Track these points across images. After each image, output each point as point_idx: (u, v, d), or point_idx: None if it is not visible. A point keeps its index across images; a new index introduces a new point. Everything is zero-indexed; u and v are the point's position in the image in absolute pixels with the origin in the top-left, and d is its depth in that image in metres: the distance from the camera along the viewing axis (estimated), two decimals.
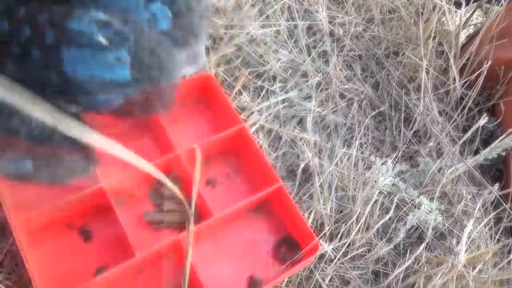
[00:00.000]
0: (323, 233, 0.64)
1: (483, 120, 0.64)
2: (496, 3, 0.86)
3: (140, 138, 0.64)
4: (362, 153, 0.77)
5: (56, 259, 0.53)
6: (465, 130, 0.82)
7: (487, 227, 0.66)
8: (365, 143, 0.80)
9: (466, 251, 0.61)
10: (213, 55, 0.69)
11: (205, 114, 0.67)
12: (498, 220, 0.72)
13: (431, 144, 0.77)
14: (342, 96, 0.84)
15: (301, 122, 0.78)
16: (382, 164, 0.64)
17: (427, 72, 0.81)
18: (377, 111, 0.85)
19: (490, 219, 0.66)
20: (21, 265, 0.50)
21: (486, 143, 0.81)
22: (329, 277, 0.61)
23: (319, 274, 0.61)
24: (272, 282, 0.53)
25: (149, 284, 0.55)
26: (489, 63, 0.71)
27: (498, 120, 0.79)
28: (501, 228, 0.71)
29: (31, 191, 0.56)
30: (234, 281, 0.56)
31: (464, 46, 0.85)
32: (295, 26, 0.85)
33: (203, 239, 0.58)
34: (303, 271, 0.61)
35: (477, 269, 0.60)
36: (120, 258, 0.51)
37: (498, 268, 0.63)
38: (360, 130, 0.80)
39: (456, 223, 0.68)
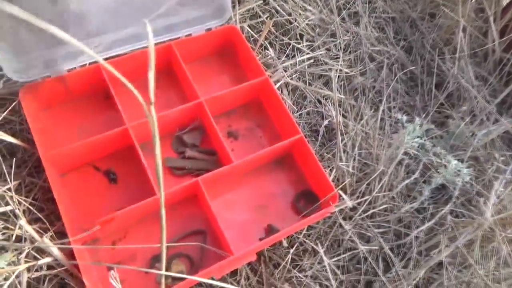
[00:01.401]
0: (343, 188, 0.63)
1: None
2: None
3: (167, 89, 0.65)
4: (390, 117, 0.75)
5: (83, 198, 0.56)
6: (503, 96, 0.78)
7: None
8: (394, 107, 0.78)
9: (494, 215, 0.59)
10: (239, 8, 0.68)
11: (230, 66, 0.67)
12: None
13: (464, 108, 0.74)
14: (372, 58, 0.81)
15: (327, 83, 0.76)
16: (409, 121, 0.62)
17: (464, 32, 0.77)
18: (409, 75, 0.82)
19: None
20: (52, 201, 0.53)
21: None
22: (349, 233, 0.61)
23: (338, 229, 0.61)
24: (289, 229, 0.53)
25: (169, 228, 0.56)
26: None
27: None
28: None
29: (60, 133, 0.58)
30: (253, 228, 0.57)
31: (506, 7, 0.79)
32: None
33: (224, 188, 0.59)
34: (323, 225, 0.61)
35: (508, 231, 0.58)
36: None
37: None
38: (390, 94, 0.78)
39: (485, 188, 0.65)
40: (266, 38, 0.73)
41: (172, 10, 0.64)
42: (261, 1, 0.71)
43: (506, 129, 0.68)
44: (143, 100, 0.22)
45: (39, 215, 0.52)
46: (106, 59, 0.60)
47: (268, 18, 0.73)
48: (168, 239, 0.55)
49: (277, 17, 0.75)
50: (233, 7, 0.68)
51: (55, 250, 0.46)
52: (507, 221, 0.57)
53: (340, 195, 0.57)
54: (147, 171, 0.55)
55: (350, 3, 0.85)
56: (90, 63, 0.60)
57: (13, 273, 0.44)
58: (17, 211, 0.50)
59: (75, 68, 0.58)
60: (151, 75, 0.21)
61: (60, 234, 0.52)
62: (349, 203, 0.53)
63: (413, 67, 0.81)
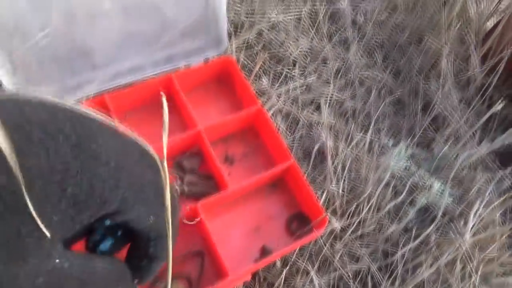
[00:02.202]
0: (333, 209, 0.67)
1: (499, 105, 0.64)
2: None
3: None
4: (378, 138, 0.79)
5: None
6: (486, 119, 0.82)
7: (500, 212, 0.67)
8: (382, 129, 0.82)
9: (475, 234, 0.62)
10: (234, 40, 0.73)
11: (226, 94, 0.71)
12: None
13: (448, 131, 0.78)
14: (361, 82, 0.86)
15: (319, 108, 0.80)
16: (395, 145, 0.66)
17: (448, 58, 0.81)
18: (396, 98, 0.86)
19: (504, 202, 0.67)
20: None
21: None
22: (339, 253, 0.64)
23: (328, 249, 0.64)
24: (282, 251, 0.57)
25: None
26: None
27: None
28: None
29: None
30: (248, 249, 0.61)
31: (488, 34, 0.84)
32: (317, 13, 0.88)
33: (221, 210, 0.63)
34: (314, 246, 0.65)
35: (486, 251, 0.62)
36: None
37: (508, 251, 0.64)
38: (378, 117, 0.82)
39: (469, 207, 0.69)
40: (260, 67, 0.77)
41: (172, 42, 0.69)
42: (255, 34, 0.75)
43: (488, 151, 0.73)
44: (156, 154, 0.26)
45: None
46: (109, 89, 0.64)
47: (262, 50, 0.77)
48: None
49: (271, 47, 0.79)
50: (229, 39, 0.72)
51: None
52: (486, 241, 0.60)
53: (331, 217, 0.61)
54: None
55: (341, 29, 0.89)
56: (95, 94, 0.64)
57: None
58: None
59: (81, 98, 0.62)
60: (165, 138, 0.25)
61: None
62: (337, 225, 0.57)
63: (400, 91, 0.85)
